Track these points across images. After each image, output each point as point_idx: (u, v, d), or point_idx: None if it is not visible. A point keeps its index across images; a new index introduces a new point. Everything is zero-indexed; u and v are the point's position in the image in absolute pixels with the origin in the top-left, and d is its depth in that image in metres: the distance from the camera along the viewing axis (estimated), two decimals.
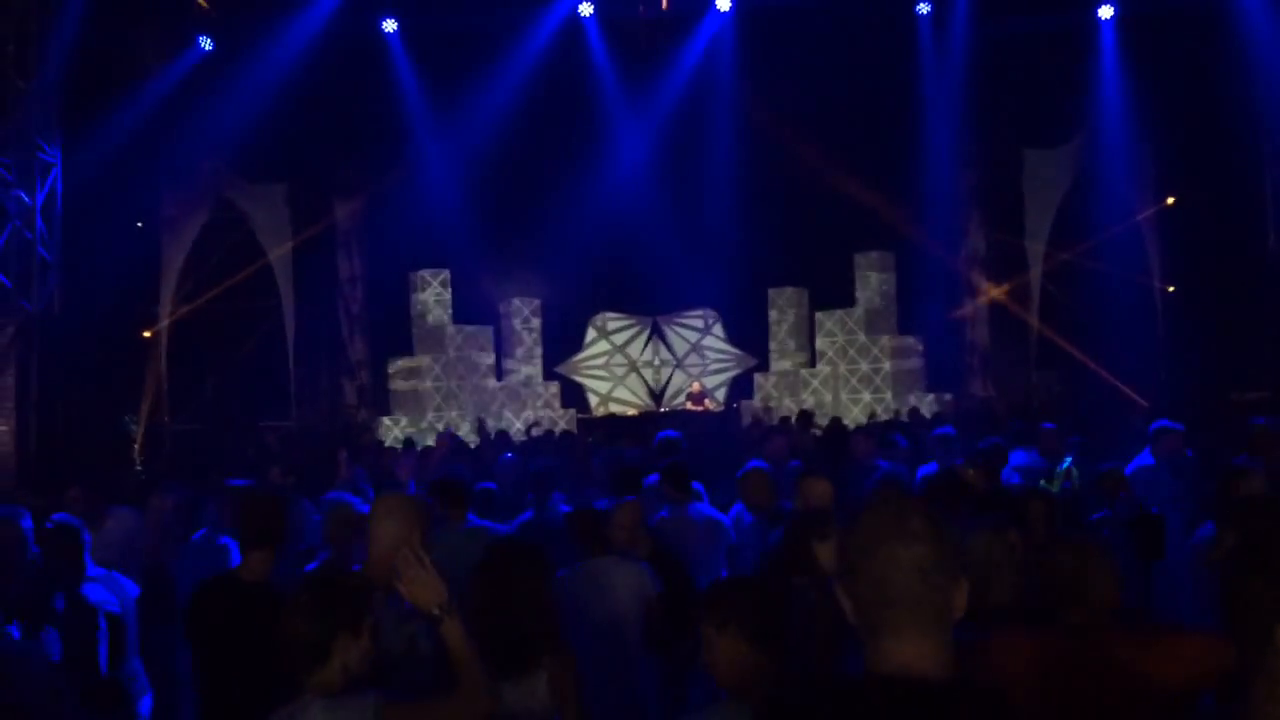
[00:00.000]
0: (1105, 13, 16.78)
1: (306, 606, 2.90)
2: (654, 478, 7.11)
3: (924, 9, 17.29)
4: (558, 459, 7.88)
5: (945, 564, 1.77)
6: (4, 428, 13.21)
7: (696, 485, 6.80)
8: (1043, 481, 7.43)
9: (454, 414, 17.24)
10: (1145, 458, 7.45)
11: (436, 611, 2.96)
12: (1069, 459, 7.74)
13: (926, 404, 16.55)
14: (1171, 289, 17.10)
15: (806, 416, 12.26)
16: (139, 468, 15.48)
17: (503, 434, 14.13)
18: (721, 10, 17.29)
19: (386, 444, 15.30)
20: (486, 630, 3.33)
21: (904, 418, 14.39)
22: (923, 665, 1.73)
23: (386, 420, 17.14)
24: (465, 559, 4.10)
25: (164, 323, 17.12)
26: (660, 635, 4.83)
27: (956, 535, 1.83)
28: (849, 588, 1.80)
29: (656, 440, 7.34)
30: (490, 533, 5.56)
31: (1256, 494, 4.63)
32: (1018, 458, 7.96)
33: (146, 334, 17.21)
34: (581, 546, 5.25)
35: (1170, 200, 16.57)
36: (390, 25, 17.01)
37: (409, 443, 13.92)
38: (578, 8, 17.16)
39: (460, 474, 5.96)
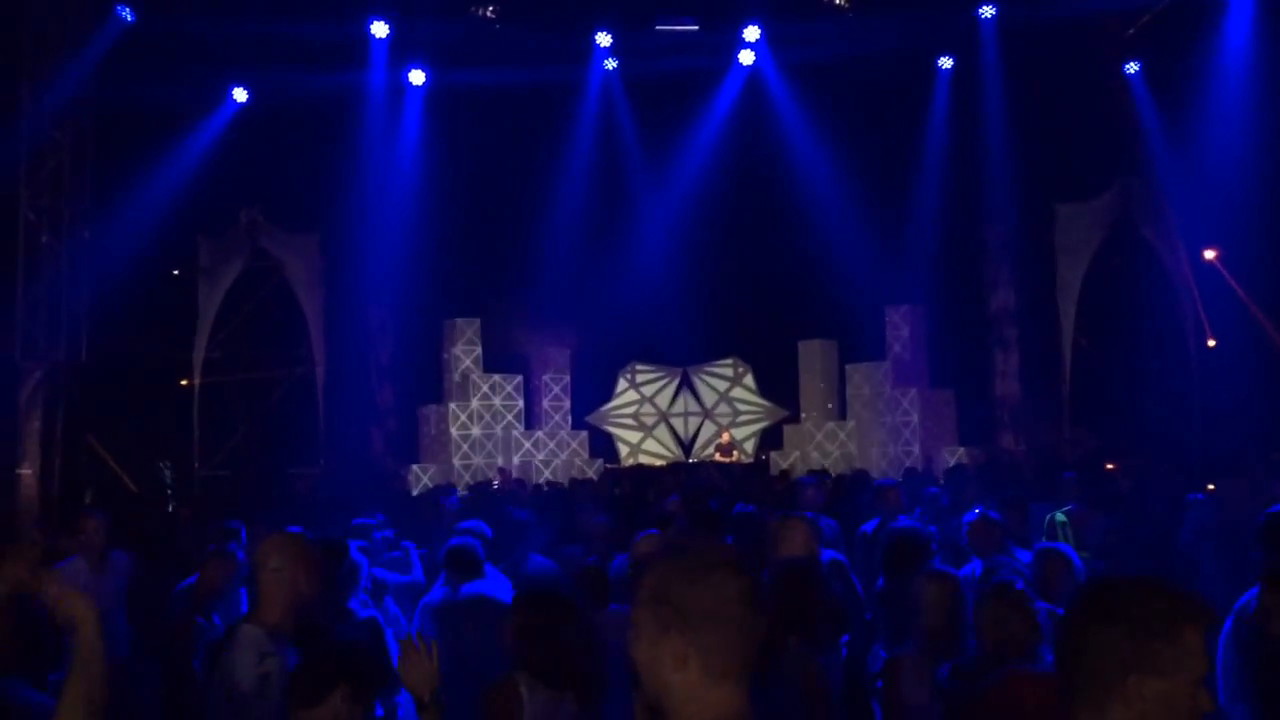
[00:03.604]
0: (1131, 68, 16.84)
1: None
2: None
3: (946, 64, 17.41)
4: (535, 513, 7.87)
5: None
6: (28, 471, 13.40)
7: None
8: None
9: (481, 460, 17.29)
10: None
11: (425, 699, 3.16)
12: (1057, 512, 7.58)
13: (959, 456, 16.38)
14: (1212, 343, 16.82)
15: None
16: (170, 510, 15.60)
17: (483, 484, 14.07)
18: (745, 65, 17.48)
19: (414, 492, 15.39)
20: None
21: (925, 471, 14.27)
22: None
23: (415, 468, 17.18)
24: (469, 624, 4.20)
25: (198, 370, 17.33)
26: None
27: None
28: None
29: (687, 488, 7.28)
30: (488, 600, 5.50)
31: None
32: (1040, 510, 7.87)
33: (184, 382, 17.42)
34: (588, 601, 5.24)
35: (1210, 255, 16.36)
36: (418, 78, 17.27)
37: (437, 491, 13.92)
38: (604, 61, 17.45)
39: (472, 543, 5.90)
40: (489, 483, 14.40)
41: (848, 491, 9.74)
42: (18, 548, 2.92)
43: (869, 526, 7.55)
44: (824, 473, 12.48)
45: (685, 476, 14.00)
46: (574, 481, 14.03)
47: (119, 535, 7.30)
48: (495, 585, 5.67)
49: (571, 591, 4.19)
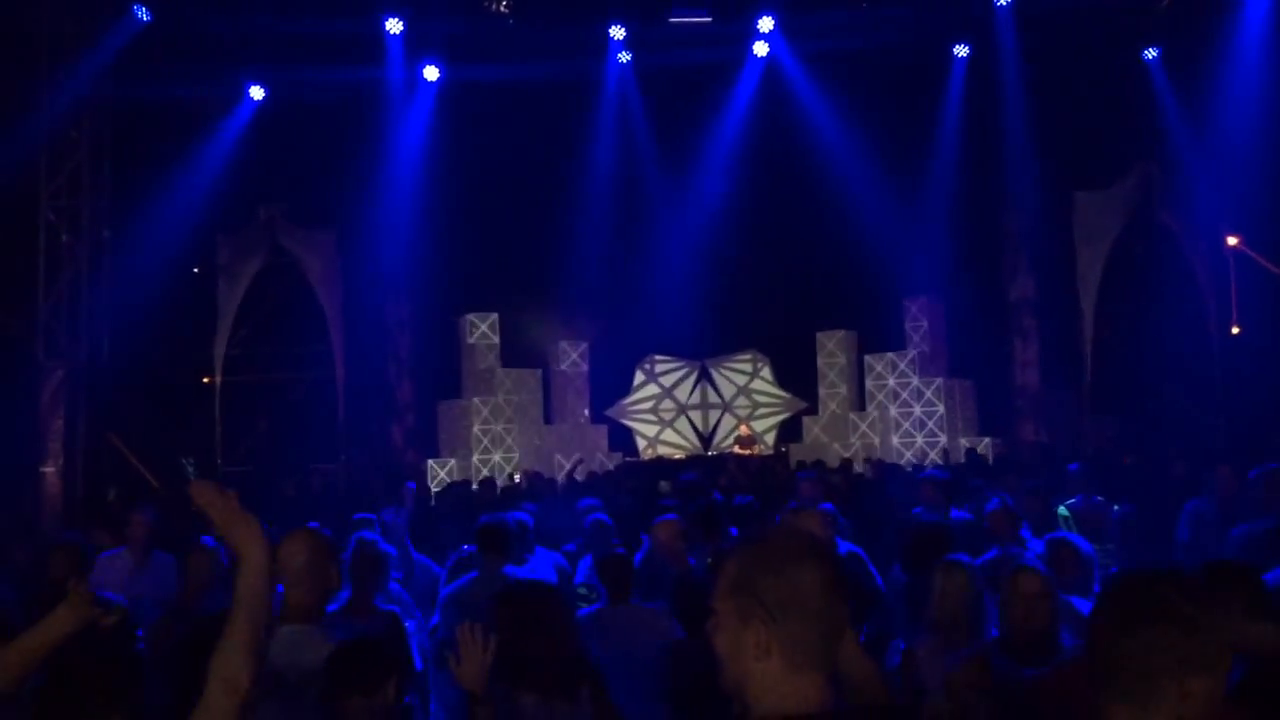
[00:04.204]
0: (1150, 53, 16.72)
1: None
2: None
3: (962, 52, 17.30)
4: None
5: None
6: (52, 470, 13.53)
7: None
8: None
9: (501, 456, 17.33)
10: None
11: (479, 693, 3.17)
12: (1060, 505, 7.51)
13: (983, 447, 16.30)
14: (1237, 330, 16.63)
15: (846, 465, 12.17)
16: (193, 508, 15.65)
17: (489, 480, 14.06)
18: (759, 55, 17.43)
19: (433, 486, 15.44)
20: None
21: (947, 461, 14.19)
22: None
23: (433, 463, 17.24)
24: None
25: (219, 367, 17.43)
26: (678, 683, 4.73)
27: None
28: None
29: (680, 482, 7.23)
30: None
31: None
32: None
33: (205, 380, 17.52)
34: (610, 591, 5.21)
35: (1232, 241, 16.20)
36: (432, 73, 17.29)
37: (453, 484, 13.97)
38: (618, 54, 17.47)
39: (503, 519, 5.87)
40: (492, 480, 14.38)
41: (869, 484, 9.70)
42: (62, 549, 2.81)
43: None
44: (822, 464, 12.47)
45: (702, 470, 13.99)
46: (592, 475, 14.03)
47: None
48: (535, 569, 5.63)
49: (553, 588, 4.18)
